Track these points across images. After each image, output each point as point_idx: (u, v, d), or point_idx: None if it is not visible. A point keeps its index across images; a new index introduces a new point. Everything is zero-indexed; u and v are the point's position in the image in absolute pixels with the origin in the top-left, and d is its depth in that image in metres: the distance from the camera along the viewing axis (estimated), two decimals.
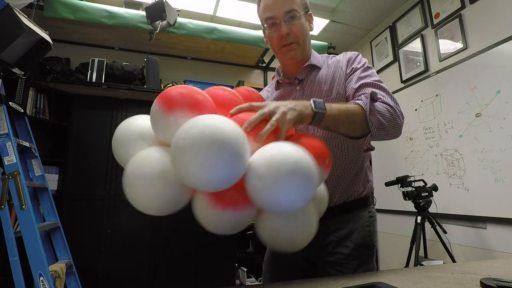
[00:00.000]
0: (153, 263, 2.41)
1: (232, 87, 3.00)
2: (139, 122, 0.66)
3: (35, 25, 1.66)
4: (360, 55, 0.96)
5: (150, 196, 0.55)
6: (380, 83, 0.84)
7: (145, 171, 0.55)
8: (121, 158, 0.65)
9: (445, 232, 2.03)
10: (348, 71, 0.92)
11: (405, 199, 2.07)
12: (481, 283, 0.63)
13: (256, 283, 2.85)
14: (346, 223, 0.86)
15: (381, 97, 0.80)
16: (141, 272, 2.39)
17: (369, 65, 0.92)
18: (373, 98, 0.78)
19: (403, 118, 0.80)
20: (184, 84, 2.75)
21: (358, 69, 0.90)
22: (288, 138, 0.63)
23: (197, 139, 0.47)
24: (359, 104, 0.75)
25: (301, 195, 0.50)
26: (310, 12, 0.94)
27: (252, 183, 0.51)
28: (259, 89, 3.33)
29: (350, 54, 0.96)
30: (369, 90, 0.80)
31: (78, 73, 2.49)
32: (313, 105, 0.67)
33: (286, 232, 0.60)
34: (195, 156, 0.47)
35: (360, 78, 0.86)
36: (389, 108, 0.78)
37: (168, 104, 0.57)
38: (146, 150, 0.59)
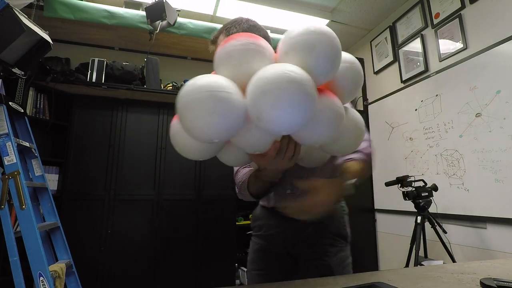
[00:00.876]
0: (153, 263, 2.41)
1: None
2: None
3: (35, 25, 1.66)
4: None
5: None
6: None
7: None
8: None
9: (445, 232, 2.03)
10: None
11: (405, 199, 2.07)
12: (481, 283, 0.63)
13: None
14: (322, 216, 0.86)
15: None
16: (141, 272, 2.39)
17: None
18: None
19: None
20: (184, 84, 2.75)
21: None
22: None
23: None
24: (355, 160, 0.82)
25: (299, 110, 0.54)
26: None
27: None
28: None
29: None
30: None
31: (78, 73, 2.49)
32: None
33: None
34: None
35: None
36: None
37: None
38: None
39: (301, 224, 0.85)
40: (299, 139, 0.64)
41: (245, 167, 0.93)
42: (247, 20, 0.93)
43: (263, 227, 0.96)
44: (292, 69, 0.54)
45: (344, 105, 0.69)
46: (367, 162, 0.82)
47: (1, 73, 1.65)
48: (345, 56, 0.68)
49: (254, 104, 0.55)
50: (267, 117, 0.54)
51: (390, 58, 3.00)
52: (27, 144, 1.86)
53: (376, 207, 3.03)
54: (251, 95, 0.55)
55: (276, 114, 0.53)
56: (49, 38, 1.76)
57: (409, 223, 2.52)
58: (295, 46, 0.59)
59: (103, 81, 2.47)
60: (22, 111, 1.93)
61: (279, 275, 0.86)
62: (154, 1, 2.22)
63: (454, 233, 2.17)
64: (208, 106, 0.53)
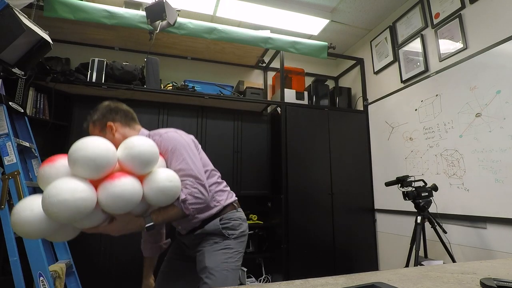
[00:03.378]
0: None
1: (232, 87, 3.00)
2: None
3: (35, 25, 1.66)
4: (164, 137, 1.17)
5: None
6: (185, 170, 1.12)
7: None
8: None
9: (445, 232, 2.03)
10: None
11: (405, 199, 2.07)
12: (481, 283, 0.63)
13: (256, 283, 2.85)
14: (204, 228, 1.23)
15: (188, 184, 1.11)
16: (141, 272, 2.39)
17: (172, 149, 1.14)
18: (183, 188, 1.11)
19: (203, 185, 1.13)
20: (184, 84, 2.75)
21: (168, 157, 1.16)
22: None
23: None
24: (175, 206, 1.09)
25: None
26: (109, 122, 1.17)
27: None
28: (259, 89, 3.30)
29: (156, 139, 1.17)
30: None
31: (78, 73, 2.48)
32: (144, 222, 1.03)
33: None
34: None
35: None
36: (192, 191, 1.10)
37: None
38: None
39: (193, 236, 1.24)
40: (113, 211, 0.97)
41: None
42: (108, 104, 1.22)
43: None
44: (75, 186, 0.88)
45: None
46: (179, 213, 1.09)
47: (1, 73, 1.65)
48: (127, 144, 1.01)
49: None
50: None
51: (390, 58, 3.00)
52: (27, 144, 1.86)
53: (376, 207, 3.03)
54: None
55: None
56: (49, 38, 1.76)
57: (409, 223, 2.53)
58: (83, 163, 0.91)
59: (103, 81, 2.47)
60: (22, 111, 1.93)
61: (183, 272, 1.36)
62: (154, 1, 2.21)
63: (454, 233, 2.17)
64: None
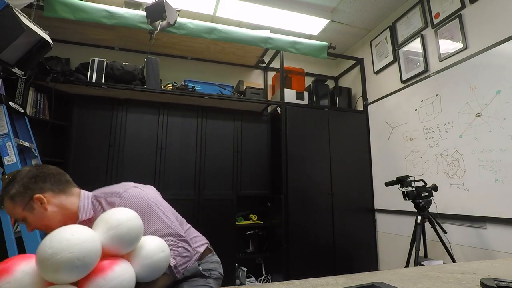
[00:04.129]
0: None
1: (232, 87, 3.00)
2: None
3: (35, 25, 1.66)
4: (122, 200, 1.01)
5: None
6: (161, 230, 1.01)
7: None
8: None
9: (445, 232, 2.03)
10: None
11: (405, 199, 2.07)
12: (481, 283, 0.63)
13: (256, 283, 2.85)
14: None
15: (171, 244, 1.01)
16: None
17: (141, 209, 1.00)
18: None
19: (185, 241, 1.06)
20: (184, 84, 2.75)
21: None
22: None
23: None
24: (166, 274, 0.97)
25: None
26: (36, 195, 0.90)
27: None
28: (259, 89, 3.31)
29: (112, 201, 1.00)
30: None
31: (78, 73, 2.49)
32: None
33: None
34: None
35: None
36: (179, 251, 1.02)
37: None
38: None
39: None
40: None
41: None
42: (29, 171, 0.95)
43: None
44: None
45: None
46: (170, 279, 0.99)
47: (1, 73, 1.65)
48: (112, 222, 0.83)
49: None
50: None
51: (390, 58, 3.00)
52: (27, 144, 1.86)
53: (376, 207, 3.03)
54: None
55: None
56: (49, 38, 1.76)
57: (409, 223, 2.53)
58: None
59: (103, 81, 2.47)
60: (22, 111, 1.93)
61: None
62: (154, 1, 2.22)
63: (454, 233, 2.17)
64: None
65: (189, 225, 1.27)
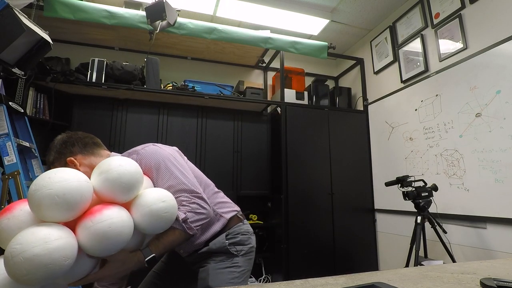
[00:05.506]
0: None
1: (232, 87, 3.00)
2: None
3: (35, 25, 1.66)
4: (146, 154, 1.03)
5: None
6: (175, 186, 0.99)
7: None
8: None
9: (445, 232, 2.03)
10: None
11: (405, 199, 2.07)
12: (481, 283, 0.63)
13: (256, 283, 2.85)
14: (209, 247, 1.11)
15: (184, 200, 0.99)
16: (141, 272, 2.39)
17: (155, 165, 1.01)
18: (180, 205, 0.98)
19: (201, 198, 1.01)
20: (184, 84, 2.75)
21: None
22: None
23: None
24: (176, 228, 0.96)
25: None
26: (68, 158, 1.00)
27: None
28: (259, 89, 3.31)
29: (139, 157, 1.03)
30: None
31: (78, 73, 2.48)
32: (143, 256, 0.89)
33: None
34: None
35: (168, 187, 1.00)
36: (192, 207, 0.99)
37: None
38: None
39: (196, 254, 1.13)
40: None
41: None
42: (60, 138, 1.08)
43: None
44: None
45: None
46: (181, 235, 0.97)
47: (1, 73, 1.65)
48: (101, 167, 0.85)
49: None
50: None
51: (390, 58, 3.00)
52: (27, 144, 1.86)
53: (376, 207, 3.03)
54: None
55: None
56: (49, 38, 1.76)
57: (409, 223, 2.53)
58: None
59: (103, 81, 2.47)
60: (22, 111, 1.93)
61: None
62: (154, 1, 2.21)
63: (454, 233, 2.17)
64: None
65: (218, 190, 1.24)
